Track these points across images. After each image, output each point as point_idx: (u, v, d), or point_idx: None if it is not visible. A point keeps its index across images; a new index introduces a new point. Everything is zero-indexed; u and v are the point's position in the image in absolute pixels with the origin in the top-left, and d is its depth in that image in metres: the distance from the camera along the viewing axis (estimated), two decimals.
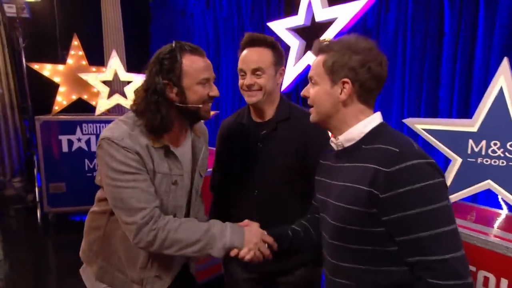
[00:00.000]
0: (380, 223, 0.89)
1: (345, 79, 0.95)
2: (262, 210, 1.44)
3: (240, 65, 1.40)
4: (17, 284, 2.79)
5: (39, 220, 3.97)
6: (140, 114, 1.13)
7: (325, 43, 1.02)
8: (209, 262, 2.52)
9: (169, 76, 1.10)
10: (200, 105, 1.17)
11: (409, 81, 2.36)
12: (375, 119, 0.99)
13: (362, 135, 0.98)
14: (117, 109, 4.34)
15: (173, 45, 1.13)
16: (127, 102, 4.12)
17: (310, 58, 2.84)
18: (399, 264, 0.90)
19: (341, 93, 0.97)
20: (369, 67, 0.94)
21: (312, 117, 1.07)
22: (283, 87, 3.07)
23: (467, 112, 2.07)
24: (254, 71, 1.37)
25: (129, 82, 4.08)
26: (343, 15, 2.57)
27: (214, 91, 1.19)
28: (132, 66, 4.29)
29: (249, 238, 1.17)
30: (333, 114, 1.00)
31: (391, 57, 2.46)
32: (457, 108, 2.12)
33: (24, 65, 4.50)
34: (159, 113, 1.11)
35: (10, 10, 4.49)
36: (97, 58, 4.40)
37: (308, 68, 2.89)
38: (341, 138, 1.01)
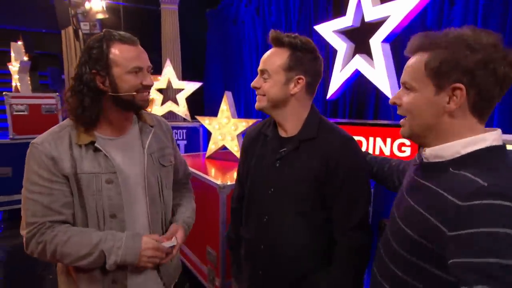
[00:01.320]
0: (444, 266, 0.68)
1: (457, 84, 0.71)
2: (271, 241, 1.22)
3: None
4: None
5: None
6: (67, 104, 1.09)
7: (425, 37, 0.76)
8: None
9: (97, 66, 1.04)
10: (134, 93, 1.08)
11: None
12: (485, 140, 0.73)
13: (457, 155, 0.74)
14: (170, 116, 4.41)
15: (103, 33, 1.07)
16: (179, 109, 4.17)
17: (358, 62, 2.49)
18: None
19: (449, 102, 0.73)
20: (493, 68, 0.68)
21: (404, 131, 0.84)
22: (329, 94, 2.76)
23: None
24: (262, 73, 1.16)
25: (181, 90, 4.12)
26: (397, 12, 2.19)
27: (148, 80, 1.11)
28: (188, 74, 4.34)
29: (144, 253, 1.09)
30: (433, 127, 0.77)
31: None
32: None
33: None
34: (82, 103, 1.06)
35: (85, 27, 4.88)
36: (155, 67, 4.53)
37: (356, 73, 2.54)
38: (429, 152, 0.80)
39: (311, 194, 1.16)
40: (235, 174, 2.67)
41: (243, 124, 2.96)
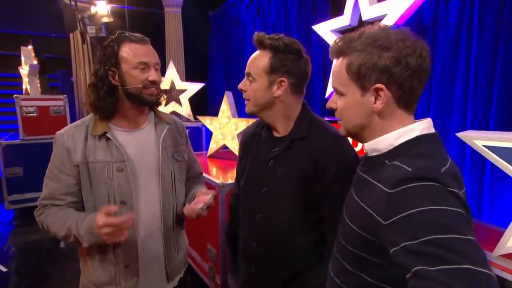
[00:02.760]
0: (388, 257, 0.65)
1: (378, 85, 0.73)
2: (263, 239, 1.19)
3: None
4: None
5: None
6: (87, 98, 1.17)
7: (343, 42, 0.76)
8: None
9: (108, 62, 1.13)
10: (140, 86, 1.14)
11: (474, 84, 1.82)
12: (414, 130, 0.75)
13: (390, 147, 0.76)
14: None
15: (115, 35, 1.16)
16: (182, 109, 4.15)
17: None
18: None
19: (375, 102, 0.75)
20: (406, 62, 0.70)
21: (342, 131, 0.87)
22: (327, 93, 2.71)
23: None
24: (247, 76, 1.13)
25: (184, 91, 4.10)
26: (394, 10, 2.12)
27: (153, 76, 1.15)
28: (192, 75, 4.33)
29: (102, 231, 1.06)
30: (366, 126, 0.79)
31: (452, 56, 1.95)
32: None
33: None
34: (98, 96, 1.14)
35: (91, 31, 4.89)
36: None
37: None
38: (367, 146, 0.82)
39: (302, 193, 1.12)
40: (235, 173, 2.66)
41: (244, 124, 2.92)
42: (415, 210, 0.61)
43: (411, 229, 0.61)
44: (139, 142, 1.22)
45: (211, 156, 3.16)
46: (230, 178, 2.45)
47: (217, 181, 2.29)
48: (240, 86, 1.16)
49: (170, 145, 1.29)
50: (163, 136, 1.26)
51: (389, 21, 2.16)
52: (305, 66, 1.13)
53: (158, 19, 4.89)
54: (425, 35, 2.06)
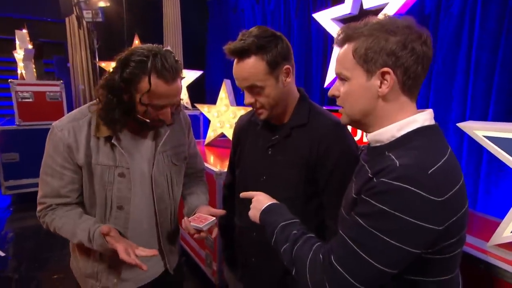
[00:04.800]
0: None
1: (385, 69, 0.72)
2: (262, 228, 1.18)
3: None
4: None
5: None
6: (99, 100, 1.07)
7: (349, 29, 0.77)
8: None
9: (127, 83, 0.99)
10: (148, 121, 1.04)
11: (475, 75, 1.80)
12: (416, 121, 0.75)
13: (393, 139, 0.76)
14: None
15: (146, 54, 0.97)
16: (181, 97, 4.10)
17: None
18: None
19: (380, 86, 0.74)
20: (412, 47, 0.71)
21: (343, 119, 0.85)
22: (326, 82, 2.68)
23: None
24: (250, 89, 1.07)
25: (182, 78, 4.05)
26: None
27: (165, 116, 1.05)
28: (189, 62, 4.26)
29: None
30: (370, 112, 0.78)
31: (453, 46, 1.92)
32: None
33: (97, 64, 4.77)
34: (113, 112, 1.04)
35: (87, 15, 4.77)
36: None
37: None
38: (370, 137, 0.81)
39: (303, 180, 1.11)
40: (228, 163, 2.65)
41: (242, 112, 2.89)
42: (378, 204, 0.66)
43: (363, 210, 0.69)
44: (136, 146, 1.15)
45: (209, 144, 3.14)
46: (219, 166, 2.44)
47: (215, 169, 2.27)
48: (247, 101, 1.09)
49: (169, 148, 1.22)
50: (162, 142, 1.18)
51: (390, 9, 2.12)
52: (287, 44, 1.08)
53: (156, 4, 4.77)
54: (426, 24, 2.03)
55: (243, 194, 1.06)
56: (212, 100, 4.87)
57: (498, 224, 1.13)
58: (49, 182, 1.08)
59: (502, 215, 1.14)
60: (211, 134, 3.14)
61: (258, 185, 1.19)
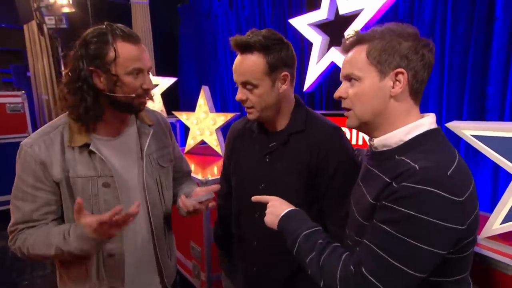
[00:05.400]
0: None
1: (400, 69, 0.75)
2: (263, 236, 1.16)
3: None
4: None
5: None
6: (64, 101, 0.99)
7: (362, 32, 0.80)
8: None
9: (95, 62, 0.93)
10: (133, 95, 0.97)
11: (448, 76, 1.90)
12: (423, 125, 0.77)
13: (401, 143, 0.78)
14: None
15: (105, 27, 0.95)
16: (155, 105, 3.98)
17: (334, 54, 2.46)
18: None
19: (393, 86, 0.76)
20: (422, 53, 0.75)
21: (351, 121, 0.85)
22: (306, 86, 2.72)
23: None
24: (244, 85, 1.05)
25: (156, 85, 3.93)
26: (371, 5, 2.16)
27: (148, 83, 0.99)
28: (161, 69, 4.15)
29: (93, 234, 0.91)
30: (381, 112, 0.79)
31: None
32: (510, 108, 1.66)
33: (63, 73, 4.51)
34: (84, 101, 0.95)
35: (50, 22, 4.50)
36: None
37: (332, 65, 2.51)
38: (376, 142, 0.82)
39: (303, 186, 1.11)
40: (215, 169, 2.60)
41: (222, 119, 2.86)
42: (403, 209, 0.66)
43: (387, 217, 0.69)
44: (121, 152, 1.07)
45: (189, 152, 3.07)
46: (210, 174, 2.39)
47: (200, 178, 2.21)
48: (239, 97, 1.08)
49: (154, 151, 1.15)
50: (147, 144, 1.11)
51: (366, 15, 2.20)
52: (292, 52, 1.09)
53: (124, 11, 4.62)
54: None
55: (256, 198, 1.02)
56: (187, 107, 4.78)
57: (483, 217, 1.19)
58: (20, 206, 0.97)
59: (482, 207, 1.20)
60: (190, 142, 3.07)
61: (256, 193, 1.16)
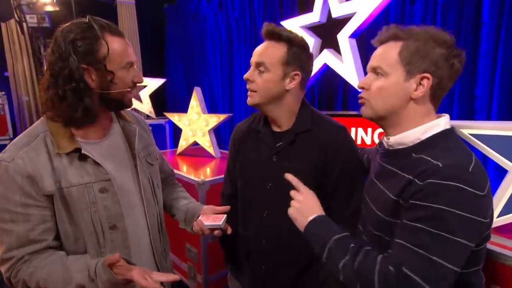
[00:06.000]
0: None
1: (426, 74, 0.76)
2: (272, 235, 1.18)
3: None
4: None
5: None
6: (53, 108, 0.89)
7: (399, 28, 0.80)
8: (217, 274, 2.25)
9: (87, 59, 0.87)
10: (128, 90, 0.95)
11: None
12: (439, 125, 0.79)
13: (417, 142, 0.80)
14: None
15: (88, 21, 0.88)
16: (143, 106, 3.91)
17: (327, 56, 2.50)
18: None
19: (416, 89, 0.78)
20: (452, 63, 0.75)
21: (368, 111, 0.87)
22: None
23: (511, 113, 1.70)
24: (257, 66, 1.08)
25: (144, 87, 3.87)
26: (363, 9, 2.22)
27: (138, 77, 0.97)
28: (147, 70, 4.09)
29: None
30: (398, 111, 0.81)
31: None
32: (497, 108, 1.75)
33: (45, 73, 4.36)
34: (82, 102, 0.89)
35: (32, 20, 4.35)
36: None
37: (325, 66, 2.55)
38: (393, 140, 0.84)
39: (310, 185, 1.12)
40: (208, 170, 2.59)
41: (215, 120, 2.85)
42: (434, 205, 0.68)
43: (419, 215, 0.69)
44: (112, 154, 1.02)
45: (181, 154, 3.03)
46: (203, 175, 2.37)
47: (197, 179, 2.20)
48: (247, 76, 1.11)
49: (141, 149, 1.11)
50: (137, 141, 1.07)
51: (358, 19, 2.26)
52: (312, 65, 1.15)
53: (110, 10, 4.51)
54: None
55: (289, 177, 0.97)
56: (174, 109, 4.73)
57: None
58: (11, 229, 0.86)
59: None
60: (183, 143, 3.04)
61: (264, 192, 1.18)
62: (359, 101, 0.89)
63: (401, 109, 0.81)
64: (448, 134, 0.79)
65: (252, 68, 1.11)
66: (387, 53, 0.81)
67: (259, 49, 1.10)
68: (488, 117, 1.78)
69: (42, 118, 0.96)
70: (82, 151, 0.92)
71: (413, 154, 0.79)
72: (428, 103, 0.81)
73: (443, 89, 0.79)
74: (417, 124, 0.80)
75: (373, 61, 0.84)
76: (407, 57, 0.77)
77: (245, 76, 1.11)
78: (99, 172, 0.95)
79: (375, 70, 0.83)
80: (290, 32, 1.09)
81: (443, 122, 0.80)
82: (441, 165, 0.70)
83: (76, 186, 0.91)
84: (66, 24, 0.90)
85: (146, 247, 1.09)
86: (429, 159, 0.73)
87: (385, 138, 0.89)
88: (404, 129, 0.81)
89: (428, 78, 0.77)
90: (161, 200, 1.18)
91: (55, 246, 0.93)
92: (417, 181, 0.72)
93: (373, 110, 0.84)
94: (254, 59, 1.10)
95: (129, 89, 0.96)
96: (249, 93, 1.12)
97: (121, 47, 0.92)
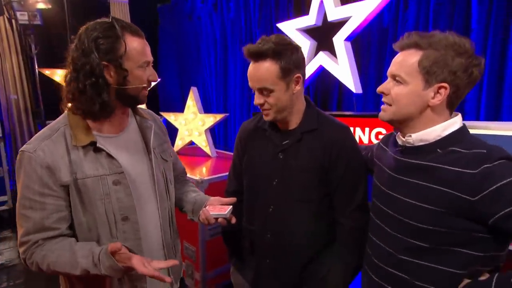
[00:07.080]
0: (485, 226, 0.76)
1: (443, 84, 0.79)
2: (276, 229, 1.22)
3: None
4: None
5: None
6: (73, 100, 0.97)
7: (420, 36, 0.82)
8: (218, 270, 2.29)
9: (108, 57, 0.93)
10: (142, 86, 1.00)
11: None
12: (456, 122, 0.86)
13: (439, 138, 0.85)
14: None
15: (111, 21, 0.95)
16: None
17: (322, 58, 2.57)
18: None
19: (433, 98, 0.82)
20: (471, 72, 0.79)
21: (386, 115, 0.91)
22: None
23: (498, 115, 1.79)
24: (261, 91, 1.11)
25: None
26: (358, 13, 2.29)
27: (154, 76, 1.03)
28: None
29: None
30: (415, 117, 0.86)
31: None
32: (485, 110, 1.84)
33: (37, 71, 4.29)
34: (100, 97, 0.95)
35: (23, 17, 4.29)
36: None
37: (320, 68, 2.62)
38: (415, 137, 0.87)
39: (315, 182, 1.17)
40: (204, 169, 2.62)
41: (211, 119, 2.88)
42: (504, 181, 0.72)
43: (506, 198, 0.72)
44: (127, 148, 1.06)
45: (177, 153, 3.05)
46: (199, 174, 2.40)
47: (196, 178, 2.23)
48: (257, 102, 1.13)
49: (157, 145, 1.16)
50: (152, 137, 1.11)
51: (353, 23, 2.33)
52: (302, 53, 1.15)
53: (103, 9, 4.48)
54: (386, 36, 2.28)
55: None
56: (167, 108, 4.72)
57: None
58: (30, 215, 0.93)
59: None
60: (179, 143, 3.05)
61: (270, 189, 1.22)
62: (382, 106, 0.92)
63: (418, 115, 0.85)
64: (464, 131, 0.86)
65: (256, 93, 1.13)
66: (407, 61, 0.83)
67: (254, 75, 1.10)
68: (477, 119, 1.87)
69: (64, 112, 1.03)
70: (97, 145, 0.97)
71: (438, 150, 0.83)
72: (445, 109, 0.85)
73: (459, 97, 0.83)
74: (434, 124, 0.85)
75: (392, 68, 0.87)
76: (426, 66, 0.80)
77: (255, 103, 1.14)
78: (112, 165, 1.00)
79: (394, 77, 0.86)
80: (268, 40, 1.07)
81: (459, 120, 0.86)
82: (485, 151, 0.77)
83: (91, 178, 0.96)
84: (91, 23, 0.96)
85: (157, 239, 1.13)
86: (464, 150, 0.79)
87: (401, 136, 0.92)
88: (421, 130, 0.86)
89: (445, 88, 0.80)
90: (173, 196, 1.22)
91: (68, 235, 0.98)
92: (469, 171, 0.76)
93: (393, 114, 0.88)
94: (254, 85, 1.12)
95: (145, 85, 1.01)
96: (263, 111, 1.16)
97: (140, 46, 0.98)
